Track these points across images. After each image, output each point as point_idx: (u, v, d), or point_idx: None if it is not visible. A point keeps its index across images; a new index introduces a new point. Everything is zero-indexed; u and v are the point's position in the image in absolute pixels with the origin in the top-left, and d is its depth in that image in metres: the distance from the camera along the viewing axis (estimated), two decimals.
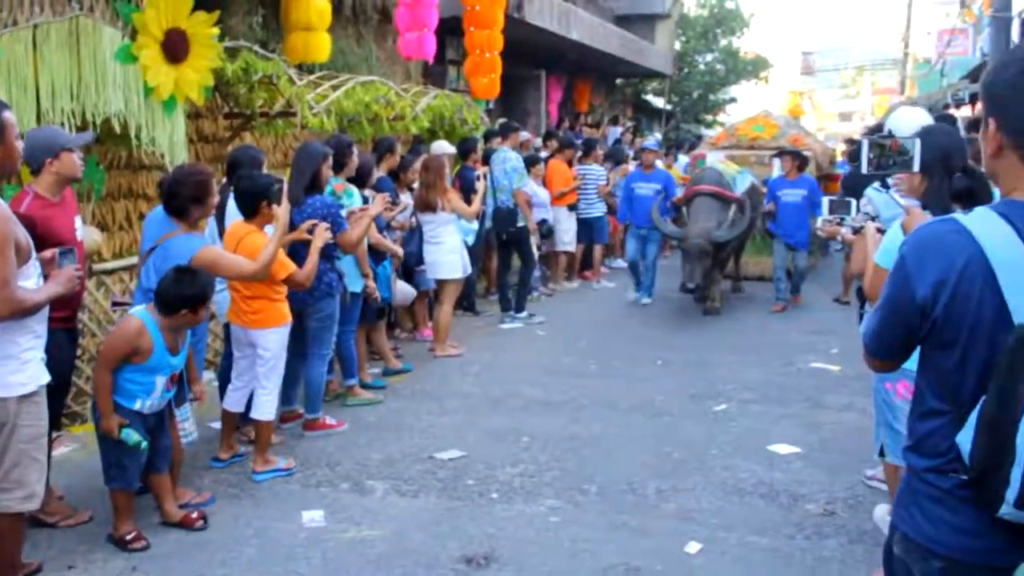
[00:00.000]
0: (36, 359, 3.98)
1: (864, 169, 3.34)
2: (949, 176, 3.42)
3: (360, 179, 7.30)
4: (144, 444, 4.62)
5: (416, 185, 8.70)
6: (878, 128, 7.25)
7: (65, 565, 4.57)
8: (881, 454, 4.49)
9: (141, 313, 4.66)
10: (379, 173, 8.22)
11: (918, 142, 3.19)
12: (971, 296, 2.00)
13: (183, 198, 5.06)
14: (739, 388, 7.56)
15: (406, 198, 8.49)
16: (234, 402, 5.83)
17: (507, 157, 10.46)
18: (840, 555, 4.64)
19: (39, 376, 3.99)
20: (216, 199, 5.32)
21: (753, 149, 13.16)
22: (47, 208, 4.66)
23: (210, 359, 7.84)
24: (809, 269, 11.39)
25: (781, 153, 11.34)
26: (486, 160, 10.52)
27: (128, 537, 4.71)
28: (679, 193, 11.34)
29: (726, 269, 11.64)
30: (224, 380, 6.07)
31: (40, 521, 4.81)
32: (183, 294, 4.59)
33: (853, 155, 14.59)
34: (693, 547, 4.71)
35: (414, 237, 8.71)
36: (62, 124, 5.81)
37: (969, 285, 1.99)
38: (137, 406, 4.65)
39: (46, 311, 4.06)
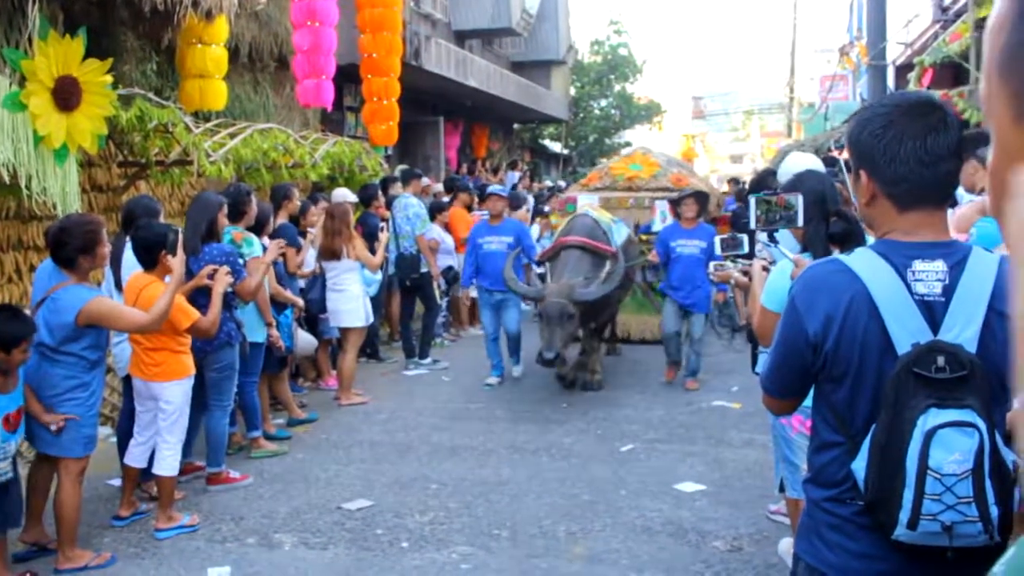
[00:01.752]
0: None
1: (752, 225, 3.46)
2: (825, 220, 3.59)
3: (259, 227, 7.22)
4: None
5: (313, 231, 8.65)
6: (766, 175, 7.51)
7: None
8: (781, 489, 4.61)
9: None
10: (280, 220, 8.15)
11: (801, 197, 3.34)
12: (857, 329, 2.14)
13: (71, 248, 4.94)
14: (645, 428, 7.66)
15: (305, 244, 8.43)
16: (136, 457, 5.65)
17: (408, 203, 10.49)
18: None
19: None
20: (107, 248, 5.20)
21: (631, 191, 11.45)
22: None
23: (107, 414, 7.61)
24: (703, 341, 9.33)
25: (681, 196, 9.41)
26: (388, 206, 10.52)
27: None
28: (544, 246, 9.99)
29: (604, 334, 10.08)
30: (122, 435, 5.89)
31: None
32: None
33: (740, 194, 15.06)
34: None
35: (316, 284, 8.63)
36: None
37: (855, 319, 2.13)
38: None
39: None
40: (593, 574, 4.90)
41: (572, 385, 9.10)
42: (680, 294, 8.99)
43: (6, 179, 6.18)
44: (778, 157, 14.68)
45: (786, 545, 4.94)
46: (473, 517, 5.72)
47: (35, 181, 6.25)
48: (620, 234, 9.31)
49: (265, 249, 6.96)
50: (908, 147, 2.11)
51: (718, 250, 4.52)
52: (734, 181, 20.59)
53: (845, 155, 4.84)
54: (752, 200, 3.45)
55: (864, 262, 2.16)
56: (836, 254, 2.39)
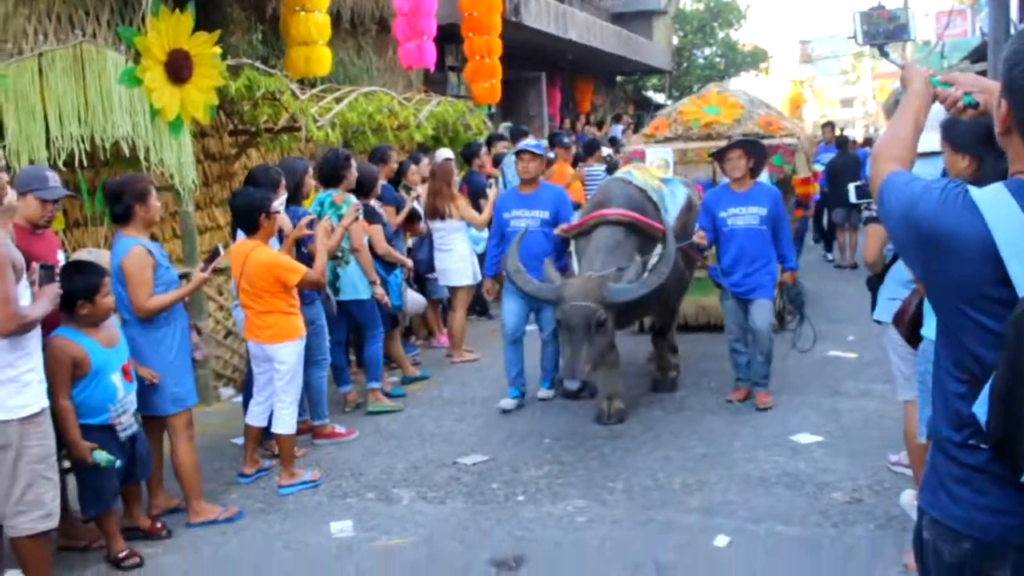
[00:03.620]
0: (35, 381, 4.07)
1: (859, 40, 3.25)
2: (999, 154, 3.34)
3: (365, 189, 7.30)
4: (118, 463, 4.63)
5: (416, 190, 8.72)
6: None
7: None
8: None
9: (58, 330, 4.61)
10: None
11: (909, 10, 3.16)
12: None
13: (128, 198, 5.05)
14: None
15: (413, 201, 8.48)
16: (256, 417, 5.84)
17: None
18: (869, 541, 4.63)
19: (39, 398, 4.08)
20: (159, 204, 5.30)
21: (711, 139, 9.04)
22: (28, 236, 4.64)
23: (229, 375, 7.88)
24: (769, 337, 6.79)
25: (724, 148, 6.96)
26: (496, 164, 10.52)
27: (121, 555, 4.78)
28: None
29: (670, 334, 7.56)
30: (246, 396, 6.09)
31: (71, 547, 4.86)
32: (71, 289, 4.51)
33: (841, 142, 14.40)
34: (721, 540, 4.71)
35: (424, 245, 8.73)
36: (72, 149, 5.88)
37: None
38: (110, 418, 4.65)
39: (39, 332, 4.16)
40: (710, 526, 4.87)
41: (611, 419, 6.61)
42: (734, 279, 6.76)
43: (126, 152, 6.42)
44: (891, 100, 13.93)
45: (908, 497, 4.82)
46: (588, 470, 5.75)
47: (153, 153, 6.48)
48: (675, 201, 7.16)
49: (369, 210, 7.08)
50: None
51: (853, 197, 4.36)
52: (829, 126, 16.81)
53: None
54: (856, 15, 3.21)
55: (991, 198, 2.06)
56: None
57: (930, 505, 2.20)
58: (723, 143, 7.60)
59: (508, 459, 6.01)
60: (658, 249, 6.47)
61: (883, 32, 3.14)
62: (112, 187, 5.18)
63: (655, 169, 8.05)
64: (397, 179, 8.86)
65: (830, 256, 14.39)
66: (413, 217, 8.32)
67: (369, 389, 7.21)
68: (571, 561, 4.60)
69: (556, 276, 6.36)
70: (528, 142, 8.74)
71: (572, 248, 6.94)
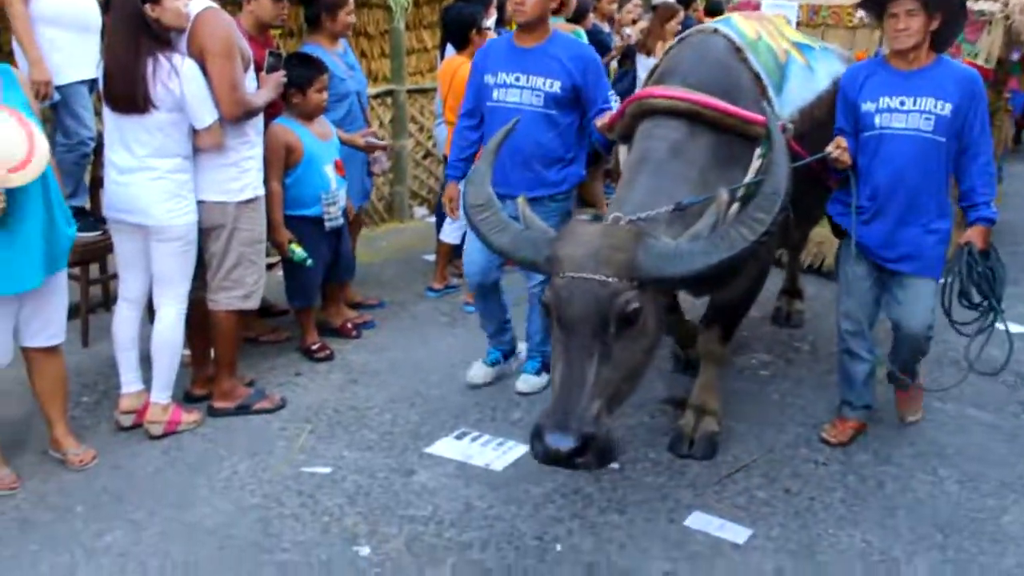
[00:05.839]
0: (254, 168, 4.24)
1: None
2: None
3: (579, 17, 7.15)
4: (309, 261, 4.80)
5: (628, 31, 8.45)
6: None
7: (293, 372, 4.89)
8: None
9: (277, 120, 4.76)
10: (592, 21, 8.02)
11: None
12: None
13: (318, 6, 5.15)
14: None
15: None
16: (449, 234, 5.95)
17: None
18: None
19: (256, 185, 4.25)
20: (351, 19, 5.33)
21: None
22: (251, 40, 4.67)
23: (424, 195, 8.04)
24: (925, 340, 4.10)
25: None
26: (711, 13, 10.05)
27: (314, 347, 5.06)
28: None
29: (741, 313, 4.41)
30: (439, 216, 6.20)
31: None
32: (288, 78, 4.56)
33: None
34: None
35: (626, 79, 8.48)
36: None
37: None
38: (321, 208, 4.83)
39: (261, 121, 4.29)
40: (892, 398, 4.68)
41: (694, 448, 4.15)
42: (873, 232, 3.96)
43: None
44: None
45: None
46: (774, 329, 5.62)
47: None
48: (808, 84, 4.16)
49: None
50: None
51: None
52: None
53: None
54: None
55: None
56: None
57: None
58: None
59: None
60: (756, 165, 3.70)
61: None
62: None
63: (783, 22, 4.67)
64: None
65: None
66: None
67: None
68: (748, 410, 4.54)
69: (539, 222, 3.51)
70: None
71: (616, 158, 4.38)
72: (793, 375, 4.97)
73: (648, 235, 3.22)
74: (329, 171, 4.85)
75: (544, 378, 4.64)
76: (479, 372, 4.79)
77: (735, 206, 3.55)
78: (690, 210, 3.43)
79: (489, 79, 4.41)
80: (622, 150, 4.10)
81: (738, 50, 3.94)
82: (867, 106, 3.91)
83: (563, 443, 2.90)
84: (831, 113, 4.12)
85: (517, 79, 4.34)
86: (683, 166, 3.63)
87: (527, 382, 4.73)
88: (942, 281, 3.96)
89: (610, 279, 3.08)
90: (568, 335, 3.11)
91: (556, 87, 4.29)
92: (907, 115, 3.83)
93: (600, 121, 4.25)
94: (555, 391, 3.09)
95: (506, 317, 4.84)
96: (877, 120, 3.88)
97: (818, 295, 6.01)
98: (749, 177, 3.68)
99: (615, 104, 4.60)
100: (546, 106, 4.32)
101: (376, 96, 7.41)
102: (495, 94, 4.39)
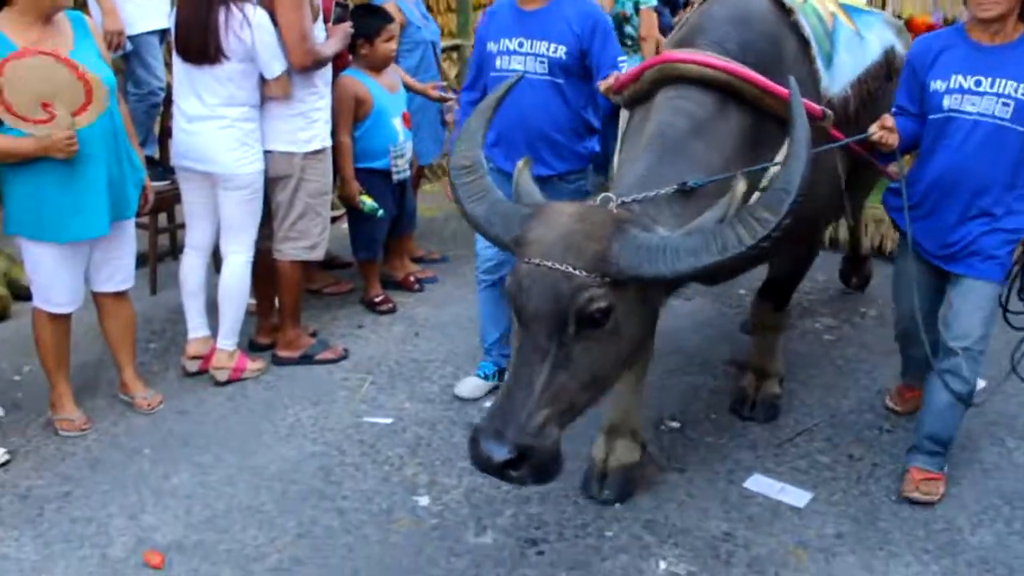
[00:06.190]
0: (322, 120, 4.26)
1: None
2: None
3: None
4: (380, 212, 4.82)
5: None
6: None
7: (356, 324, 4.94)
8: None
9: (346, 72, 4.75)
10: None
11: None
12: None
13: None
14: None
15: None
16: None
17: None
18: None
19: (323, 136, 4.28)
20: None
21: None
22: None
23: None
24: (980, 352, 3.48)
25: None
26: None
27: (377, 299, 5.11)
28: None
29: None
30: None
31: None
32: (356, 28, 4.55)
33: None
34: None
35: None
36: None
37: None
38: (389, 160, 4.84)
39: (329, 72, 4.30)
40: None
41: (756, 408, 4.10)
42: (930, 227, 3.47)
43: None
44: None
45: None
46: (841, 293, 5.52)
47: None
48: (859, 52, 3.73)
49: None
50: None
51: None
52: None
53: None
54: None
55: None
56: None
57: None
58: None
59: None
60: (785, 149, 2.90)
61: None
62: None
63: None
64: None
65: None
66: None
67: None
68: (811, 374, 4.49)
69: (532, 190, 2.95)
70: None
71: (624, 130, 3.57)
72: (857, 340, 4.89)
73: (632, 223, 2.66)
74: (397, 123, 4.87)
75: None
76: (470, 386, 4.25)
77: (755, 195, 2.90)
78: (703, 195, 2.86)
79: (492, 46, 3.98)
80: (625, 118, 3.53)
81: (787, 11, 3.39)
82: (936, 84, 3.36)
83: (496, 452, 2.50)
84: (880, 90, 3.72)
85: (520, 45, 3.90)
86: (705, 149, 3.08)
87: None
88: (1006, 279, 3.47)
89: (576, 271, 2.56)
90: (525, 331, 2.66)
91: (561, 52, 3.84)
92: (982, 97, 3.27)
93: (606, 83, 3.66)
94: (501, 392, 2.69)
95: (504, 322, 4.19)
96: (946, 102, 3.33)
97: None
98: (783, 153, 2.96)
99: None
100: (552, 74, 3.87)
101: (443, 50, 7.37)
102: (498, 62, 3.95)
